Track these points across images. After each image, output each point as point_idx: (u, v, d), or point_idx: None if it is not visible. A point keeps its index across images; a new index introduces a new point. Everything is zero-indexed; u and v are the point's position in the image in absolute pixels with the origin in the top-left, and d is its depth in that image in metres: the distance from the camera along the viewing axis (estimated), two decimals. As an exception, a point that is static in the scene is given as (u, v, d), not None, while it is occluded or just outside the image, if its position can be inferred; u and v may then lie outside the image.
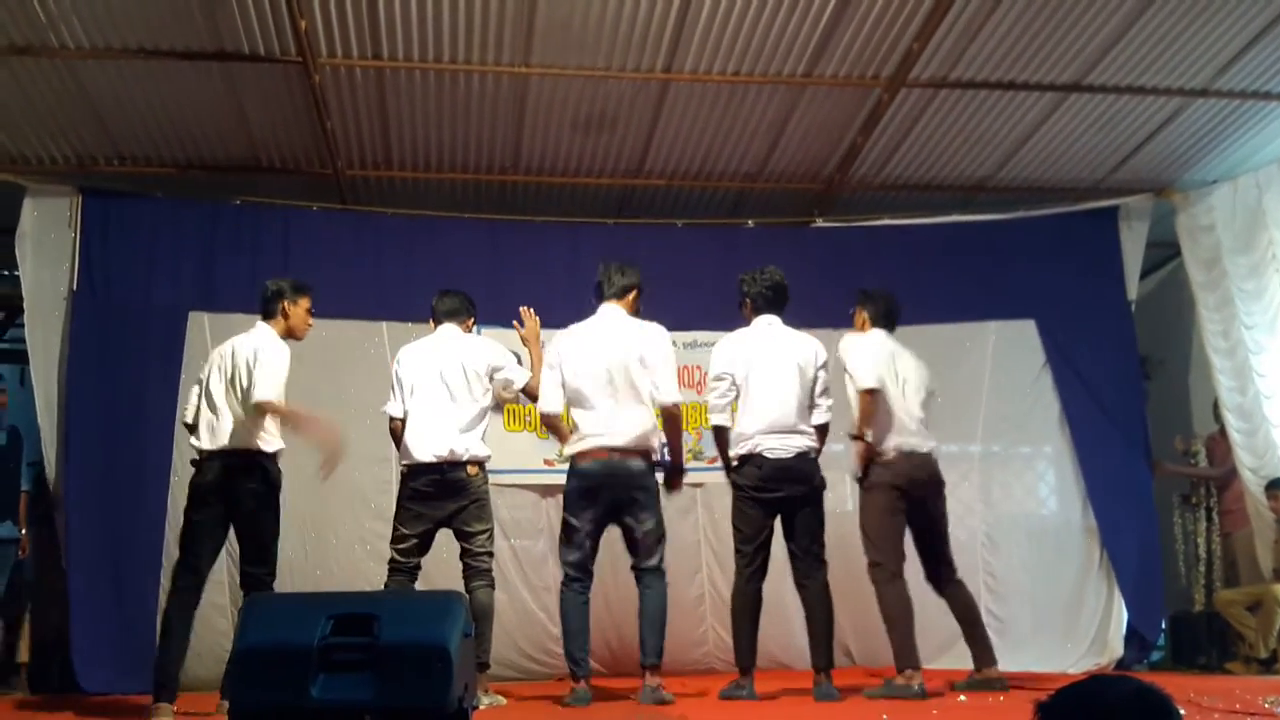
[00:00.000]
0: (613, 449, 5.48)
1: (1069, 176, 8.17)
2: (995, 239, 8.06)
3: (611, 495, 5.50)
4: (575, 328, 5.78)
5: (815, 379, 5.77)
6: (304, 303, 5.78)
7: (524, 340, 6.12)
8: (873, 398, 5.83)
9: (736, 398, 5.84)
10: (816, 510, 5.74)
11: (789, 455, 5.64)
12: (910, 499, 5.83)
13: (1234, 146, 7.74)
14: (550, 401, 5.66)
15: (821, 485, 5.77)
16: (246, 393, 5.44)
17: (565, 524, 5.59)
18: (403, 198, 8.05)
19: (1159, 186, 8.23)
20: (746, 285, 5.97)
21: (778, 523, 5.76)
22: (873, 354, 5.93)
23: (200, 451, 5.57)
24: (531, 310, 6.14)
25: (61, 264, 7.24)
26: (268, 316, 5.74)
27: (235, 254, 7.44)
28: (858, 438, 5.93)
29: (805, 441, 5.69)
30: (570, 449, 5.60)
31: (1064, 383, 8.02)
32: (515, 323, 6.15)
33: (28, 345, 7.26)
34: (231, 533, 5.63)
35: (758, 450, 5.66)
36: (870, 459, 5.86)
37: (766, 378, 5.74)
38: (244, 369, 5.51)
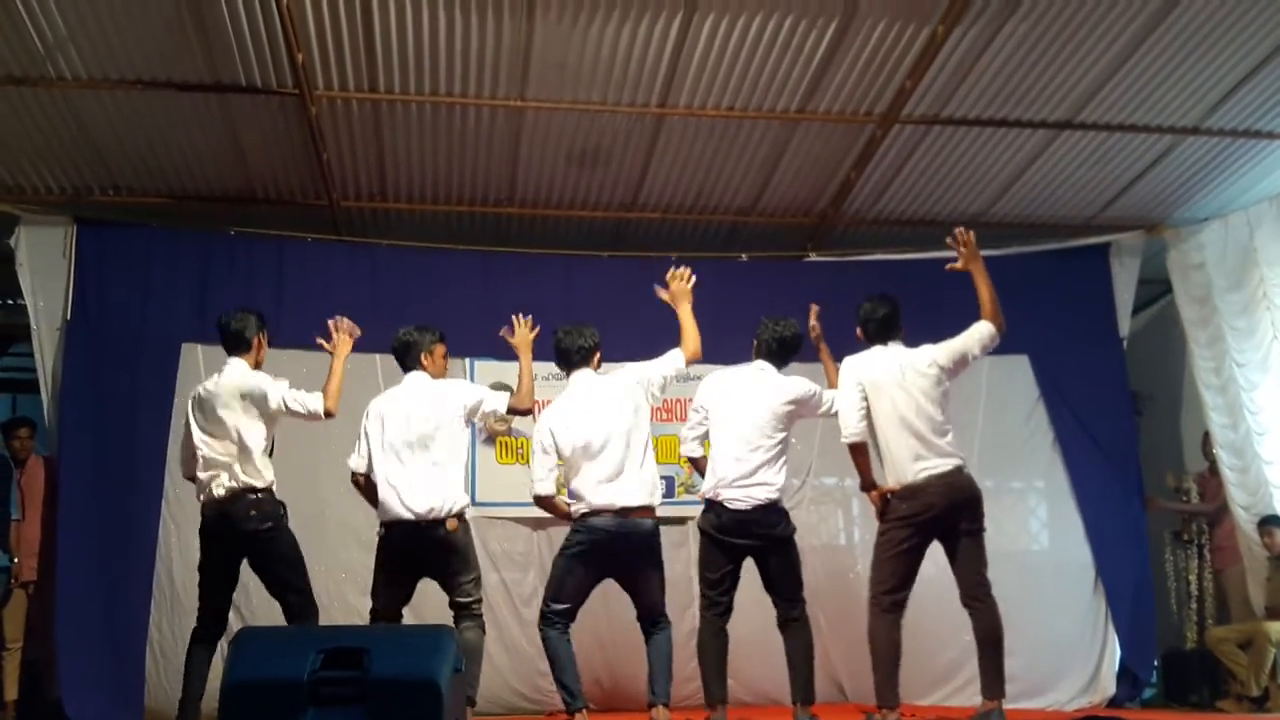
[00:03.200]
0: (625, 509, 5.45)
1: (1061, 213, 8.21)
2: (988, 274, 8.09)
3: (622, 556, 5.48)
4: (559, 403, 5.71)
5: (787, 419, 5.73)
6: (265, 334, 5.82)
7: (515, 348, 5.95)
8: (857, 451, 5.71)
9: (708, 434, 5.84)
10: (786, 557, 5.69)
11: (747, 507, 5.59)
12: (929, 528, 5.56)
13: (1225, 184, 7.78)
14: (544, 484, 5.62)
15: (787, 533, 5.69)
16: (249, 425, 5.50)
17: (564, 572, 5.53)
18: (398, 229, 8.07)
19: (1150, 223, 8.27)
20: (759, 329, 5.93)
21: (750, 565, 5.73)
22: (853, 393, 5.69)
23: (203, 502, 5.58)
24: (527, 318, 5.99)
25: (56, 293, 7.25)
26: (240, 350, 5.69)
27: (229, 285, 7.44)
28: (866, 490, 5.79)
29: (767, 493, 5.62)
30: (579, 509, 5.52)
31: (1057, 418, 8.05)
32: (505, 330, 6.04)
33: (38, 373, 7.26)
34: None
35: (719, 499, 5.63)
36: (886, 499, 5.65)
37: (738, 423, 5.69)
38: (240, 407, 5.51)
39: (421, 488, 5.48)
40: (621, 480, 5.48)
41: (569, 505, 5.63)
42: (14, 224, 7.28)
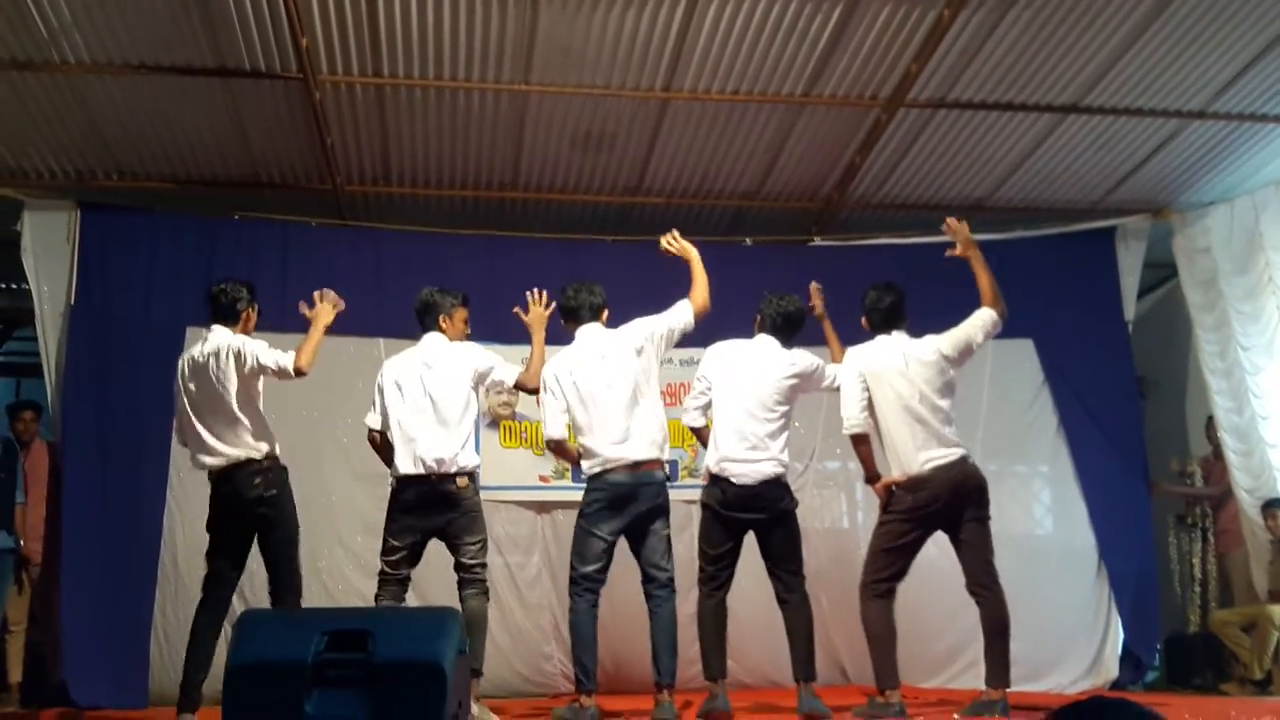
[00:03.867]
0: (637, 462, 5.50)
1: (1066, 197, 8.20)
2: (993, 259, 7.99)
3: (637, 507, 5.52)
4: (567, 352, 5.75)
5: (790, 392, 5.75)
6: (255, 308, 5.80)
7: (528, 325, 6.00)
8: (859, 442, 5.73)
9: (710, 404, 5.86)
10: (788, 530, 5.71)
11: (753, 482, 5.59)
12: (933, 519, 5.61)
13: (1231, 168, 7.77)
14: (555, 427, 5.65)
15: (790, 507, 5.71)
16: (231, 385, 5.47)
17: (585, 535, 5.56)
18: (402, 213, 8.07)
19: (1156, 208, 8.26)
20: (763, 304, 5.95)
21: (751, 540, 5.74)
22: (855, 384, 5.71)
23: (207, 470, 5.57)
24: (541, 294, 6.03)
25: (60, 278, 7.25)
26: (229, 320, 5.67)
27: (233, 269, 7.37)
28: (871, 482, 5.80)
29: (771, 467, 5.63)
30: (593, 466, 5.57)
31: (1062, 402, 8.04)
32: (518, 308, 6.06)
33: (42, 357, 7.27)
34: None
35: (724, 474, 5.64)
36: (890, 490, 5.65)
37: (741, 395, 5.70)
38: (220, 369, 5.47)
39: (432, 442, 5.53)
40: (632, 433, 5.52)
41: (579, 453, 5.68)
42: (19, 208, 7.29)
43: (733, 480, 5.62)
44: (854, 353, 5.80)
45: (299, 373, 5.51)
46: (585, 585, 5.54)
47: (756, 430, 5.65)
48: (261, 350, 5.52)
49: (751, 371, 5.75)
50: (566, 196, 8.02)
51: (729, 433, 5.68)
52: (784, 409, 5.74)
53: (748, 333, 6.02)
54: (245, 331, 5.70)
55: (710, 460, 5.73)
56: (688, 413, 5.95)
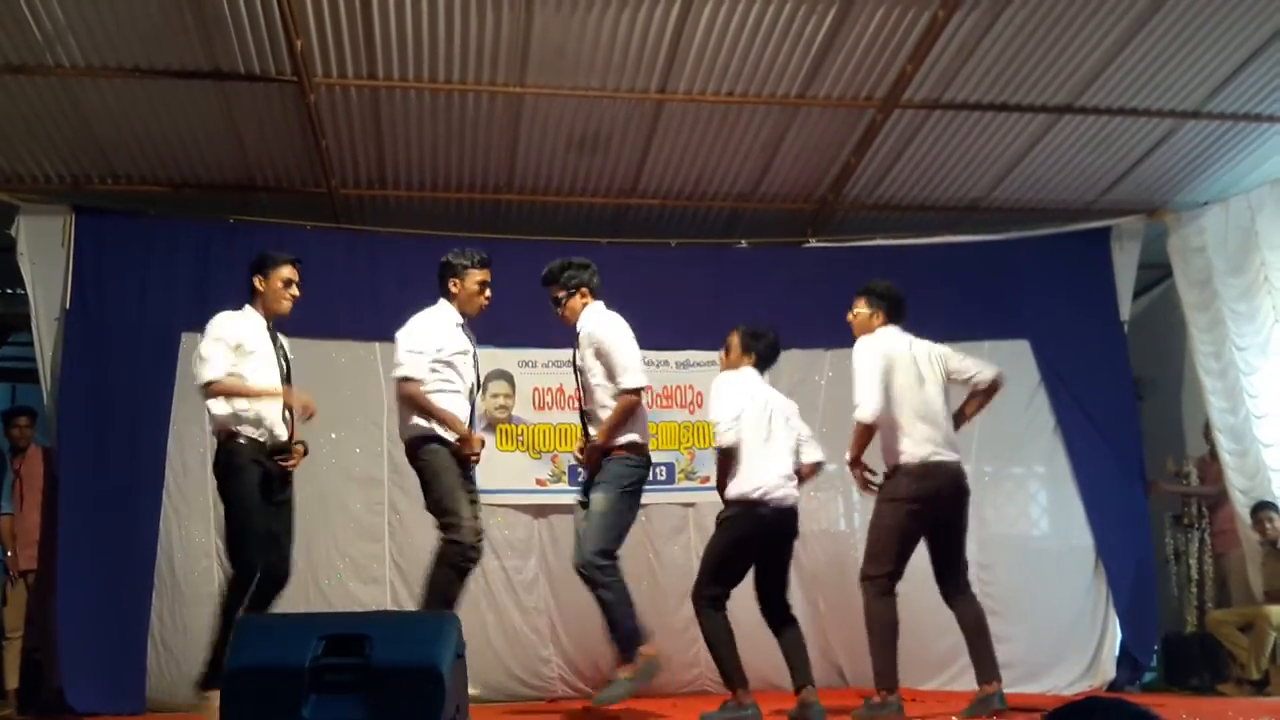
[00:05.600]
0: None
1: (1061, 197, 8.20)
2: (988, 259, 8.09)
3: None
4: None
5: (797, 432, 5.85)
6: (280, 272, 5.64)
7: None
8: (865, 429, 5.73)
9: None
10: (791, 551, 5.80)
11: (791, 505, 5.65)
12: (930, 513, 5.65)
13: (1226, 168, 7.77)
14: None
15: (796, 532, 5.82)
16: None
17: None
18: (397, 217, 8.06)
19: (1151, 208, 8.26)
20: (750, 340, 5.89)
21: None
22: (876, 372, 5.67)
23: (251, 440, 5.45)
24: None
25: (55, 283, 7.23)
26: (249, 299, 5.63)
27: (229, 273, 7.38)
28: (853, 464, 5.81)
29: (796, 492, 5.71)
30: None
31: (1058, 403, 8.03)
32: None
33: (38, 363, 7.24)
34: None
35: (766, 498, 5.56)
36: (889, 475, 5.72)
37: (766, 430, 5.70)
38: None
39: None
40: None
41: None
42: (13, 213, 7.27)
43: (773, 505, 5.59)
44: (872, 341, 5.78)
45: (206, 388, 5.32)
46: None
47: (787, 465, 5.70)
48: (203, 345, 5.40)
49: (775, 413, 5.77)
50: (562, 199, 8.01)
51: (762, 468, 5.63)
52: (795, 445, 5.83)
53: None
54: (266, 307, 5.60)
55: (745, 487, 5.61)
56: (724, 435, 5.71)
